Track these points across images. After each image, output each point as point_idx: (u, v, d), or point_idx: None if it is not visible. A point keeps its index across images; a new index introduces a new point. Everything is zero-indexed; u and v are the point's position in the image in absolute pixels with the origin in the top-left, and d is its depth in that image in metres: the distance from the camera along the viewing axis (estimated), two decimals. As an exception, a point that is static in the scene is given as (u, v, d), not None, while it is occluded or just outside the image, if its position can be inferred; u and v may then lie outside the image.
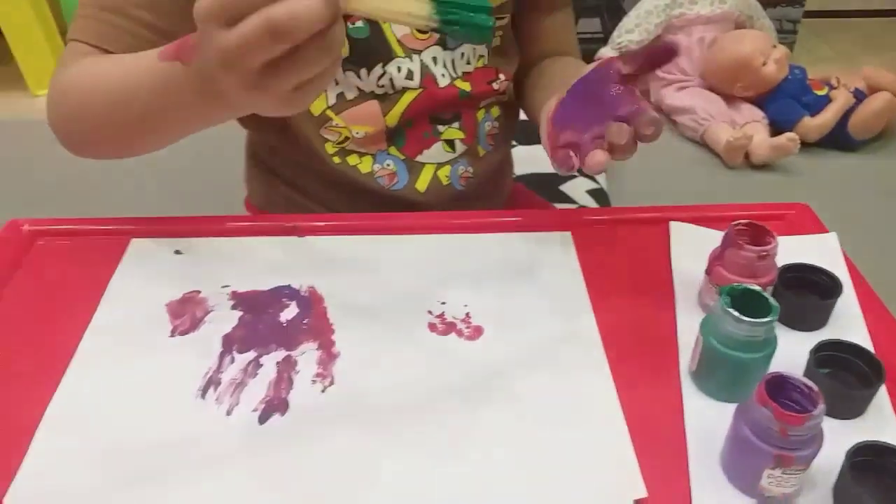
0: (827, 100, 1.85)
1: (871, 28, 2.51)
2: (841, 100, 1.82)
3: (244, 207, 0.91)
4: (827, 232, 0.68)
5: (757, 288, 0.51)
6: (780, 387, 0.45)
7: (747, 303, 0.50)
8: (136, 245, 0.66)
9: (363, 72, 0.69)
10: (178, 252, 0.65)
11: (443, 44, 0.71)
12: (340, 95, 0.70)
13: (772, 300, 0.50)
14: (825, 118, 1.81)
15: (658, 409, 0.52)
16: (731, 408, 0.50)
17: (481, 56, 0.74)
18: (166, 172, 1.75)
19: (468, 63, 0.73)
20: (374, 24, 0.67)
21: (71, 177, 1.74)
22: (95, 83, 0.58)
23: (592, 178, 1.39)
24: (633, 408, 0.52)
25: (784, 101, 1.86)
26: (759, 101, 1.91)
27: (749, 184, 1.76)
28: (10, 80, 2.12)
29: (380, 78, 0.69)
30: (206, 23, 0.40)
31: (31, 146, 1.86)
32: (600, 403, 0.52)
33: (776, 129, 1.86)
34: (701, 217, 0.69)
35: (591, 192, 1.33)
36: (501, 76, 0.76)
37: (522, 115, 0.84)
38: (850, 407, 0.51)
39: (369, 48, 0.68)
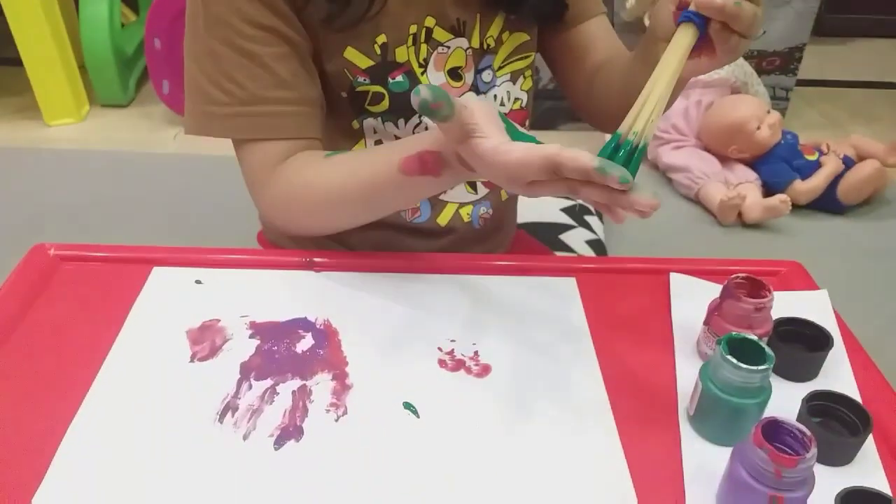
0: (817, 165, 1.91)
1: (858, 98, 2.60)
2: (831, 166, 1.88)
3: (256, 240, 0.94)
4: (817, 288, 0.72)
5: (753, 337, 0.54)
6: (774, 431, 0.48)
7: (744, 351, 0.53)
8: (159, 273, 0.68)
9: (401, 122, 0.72)
10: (198, 282, 0.68)
11: (476, 89, 0.75)
12: (378, 142, 0.74)
13: (767, 349, 0.52)
14: (815, 183, 1.87)
15: (657, 450, 0.54)
16: (727, 451, 0.52)
17: (518, 99, 0.78)
18: (178, 205, 1.78)
19: (502, 105, 0.77)
20: (413, 78, 0.71)
21: (84, 205, 1.78)
22: (329, 194, 0.65)
23: (590, 229, 1.43)
24: (633, 448, 0.54)
25: (776, 165, 1.92)
26: (752, 163, 1.97)
27: (741, 242, 1.80)
28: (26, 109, 2.16)
29: (415, 127, 0.73)
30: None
31: (46, 174, 1.90)
32: (602, 444, 0.54)
33: (768, 190, 1.92)
34: (699, 270, 0.72)
35: (590, 243, 1.37)
36: (526, 122, 0.81)
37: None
38: (839, 454, 0.53)
39: (408, 101, 0.71)
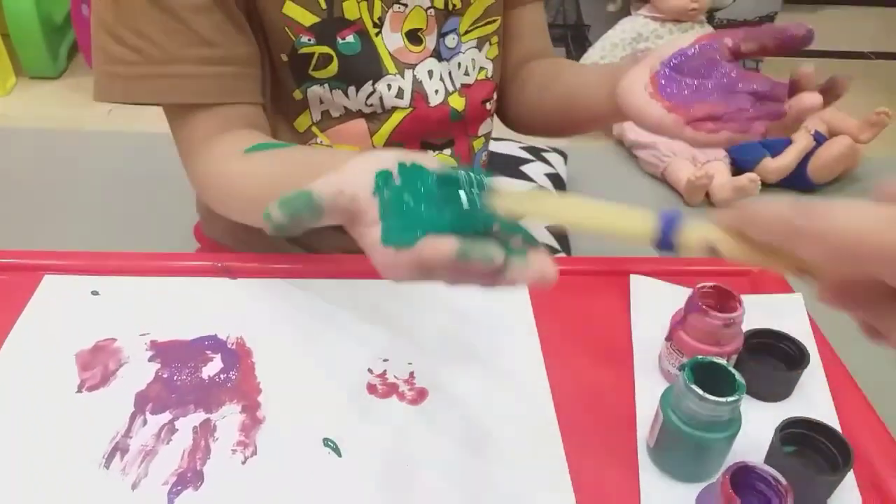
0: (788, 141, 1.85)
1: (828, 69, 2.55)
2: (801, 143, 1.83)
3: (192, 235, 0.85)
4: (791, 290, 0.66)
5: (722, 362, 0.47)
6: (745, 477, 0.41)
7: (711, 376, 0.46)
8: (50, 282, 0.60)
9: (351, 90, 0.64)
10: (94, 293, 0.59)
11: (438, 55, 0.67)
12: (325, 113, 0.65)
13: (738, 377, 0.46)
14: (785, 160, 1.82)
15: (613, 485, 0.48)
16: (691, 488, 0.46)
17: (483, 68, 0.71)
18: (111, 189, 1.67)
19: (466, 74, 0.70)
20: (365, 39, 0.62)
21: (7, 189, 1.65)
22: (244, 202, 0.56)
23: (549, 164, 1.41)
24: (585, 484, 0.47)
25: (746, 141, 1.86)
26: (721, 140, 1.91)
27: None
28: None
29: (369, 97, 0.65)
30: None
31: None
32: (551, 482, 0.47)
33: (737, 168, 1.86)
34: (663, 271, 0.66)
35: (549, 176, 1.35)
36: (495, 94, 0.74)
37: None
38: (815, 492, 0.47)
39: (359, 65, 0.63)
